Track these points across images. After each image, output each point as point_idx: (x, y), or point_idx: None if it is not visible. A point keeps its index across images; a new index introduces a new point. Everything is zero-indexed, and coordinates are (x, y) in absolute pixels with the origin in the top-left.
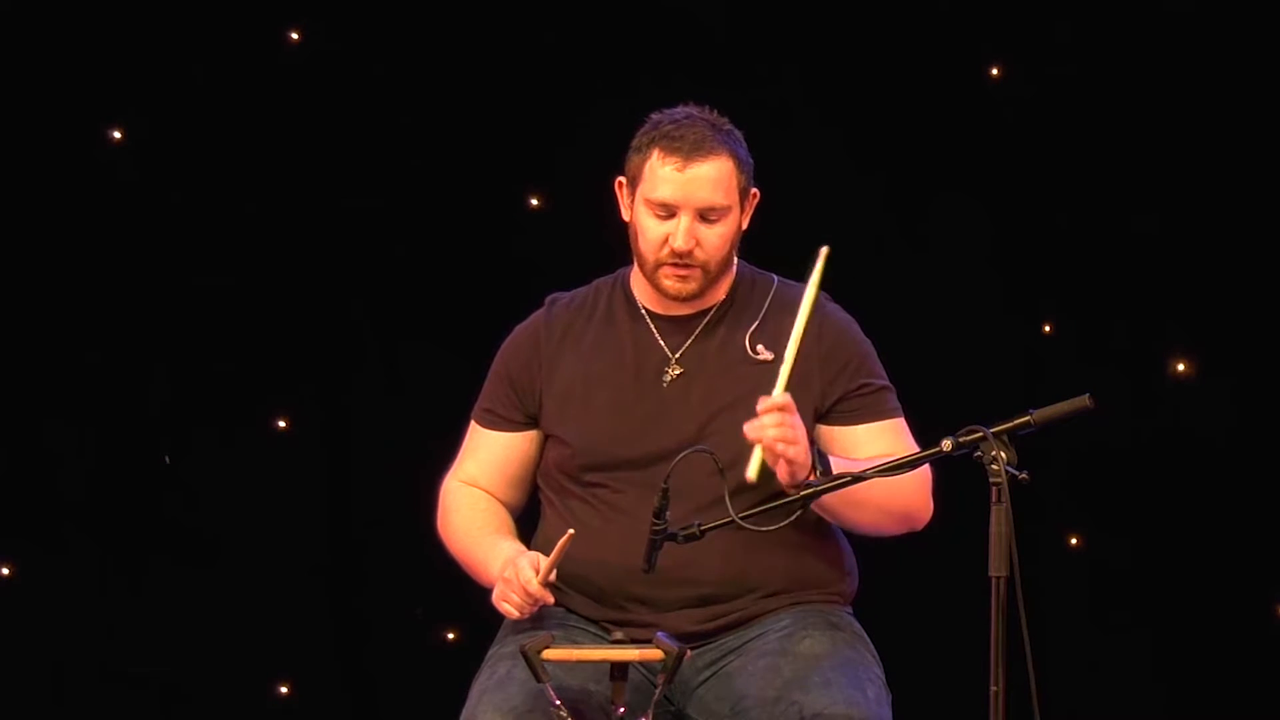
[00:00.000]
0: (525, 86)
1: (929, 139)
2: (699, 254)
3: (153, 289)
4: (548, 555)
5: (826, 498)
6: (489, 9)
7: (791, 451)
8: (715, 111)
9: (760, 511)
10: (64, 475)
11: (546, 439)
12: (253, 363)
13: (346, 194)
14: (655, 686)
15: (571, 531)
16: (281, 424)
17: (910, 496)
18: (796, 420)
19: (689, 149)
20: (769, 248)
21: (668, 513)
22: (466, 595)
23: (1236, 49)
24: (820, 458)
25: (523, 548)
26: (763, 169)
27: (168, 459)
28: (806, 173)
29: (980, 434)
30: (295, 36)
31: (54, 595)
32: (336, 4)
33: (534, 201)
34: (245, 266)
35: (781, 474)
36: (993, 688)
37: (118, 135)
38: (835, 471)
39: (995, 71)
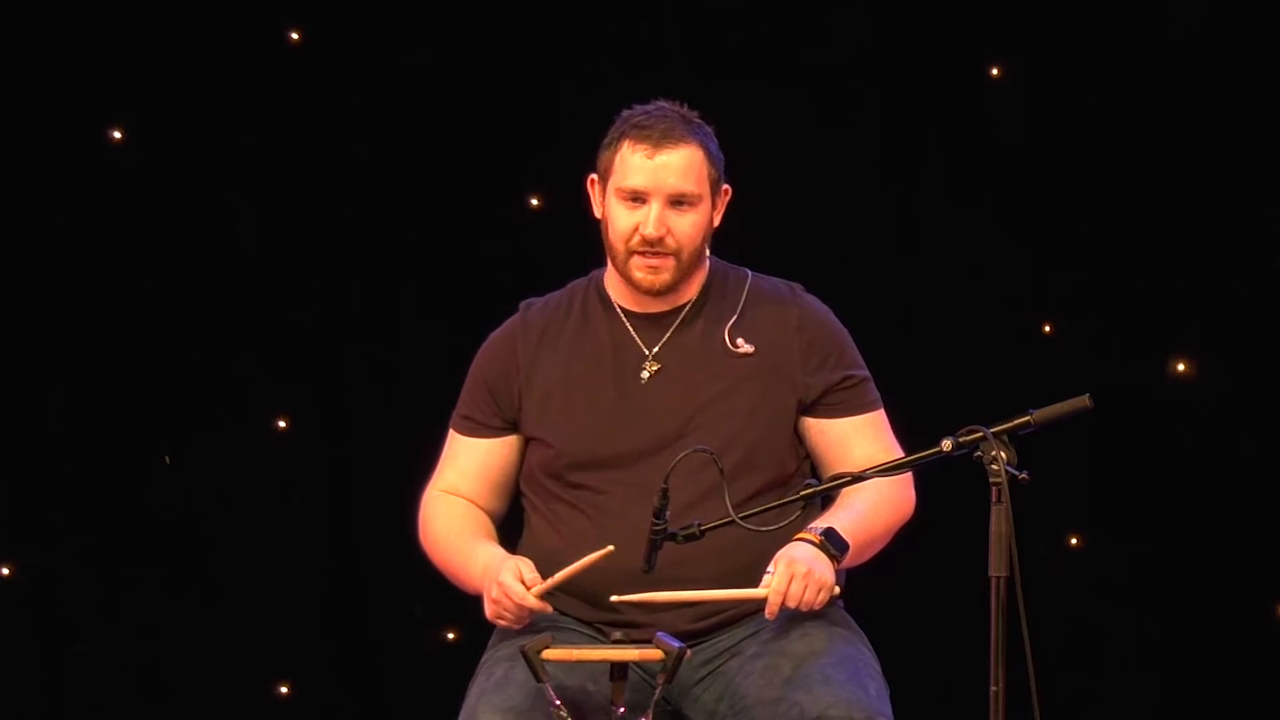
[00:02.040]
0: (525, 86)
1: (929, 138)
2: (670, 242)
3: (152, 288)
4: (535, 562)
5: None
6: (489, 8)
7: (822, 596)
8: (686, 105)
9: (760, 511)
10: (64, 475)
11: (528, 443)
12: (253, 363)
13: (347, 194)
14: (654, 687)
15: (611, 548)
16: (281, 424)
17: (898, 508)
18: (798, 574)
19: (658, 137)
20: (770, 248)
21: (666, 512)
22: (466, 595)
23: (1236, 49)
24: (827, 535)
25: (503, 553)
26: (761, 168)
27: (168, 459)
28: (806, 172)
29: (980, 434)
30: (295, 36)
31: (54, 595)
32: (336, 4)
33: (534, 201)
34: (245, 266)
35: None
36: (993, 688)
37: (118, 135)
38: (837, 529)
39: (995, 71)
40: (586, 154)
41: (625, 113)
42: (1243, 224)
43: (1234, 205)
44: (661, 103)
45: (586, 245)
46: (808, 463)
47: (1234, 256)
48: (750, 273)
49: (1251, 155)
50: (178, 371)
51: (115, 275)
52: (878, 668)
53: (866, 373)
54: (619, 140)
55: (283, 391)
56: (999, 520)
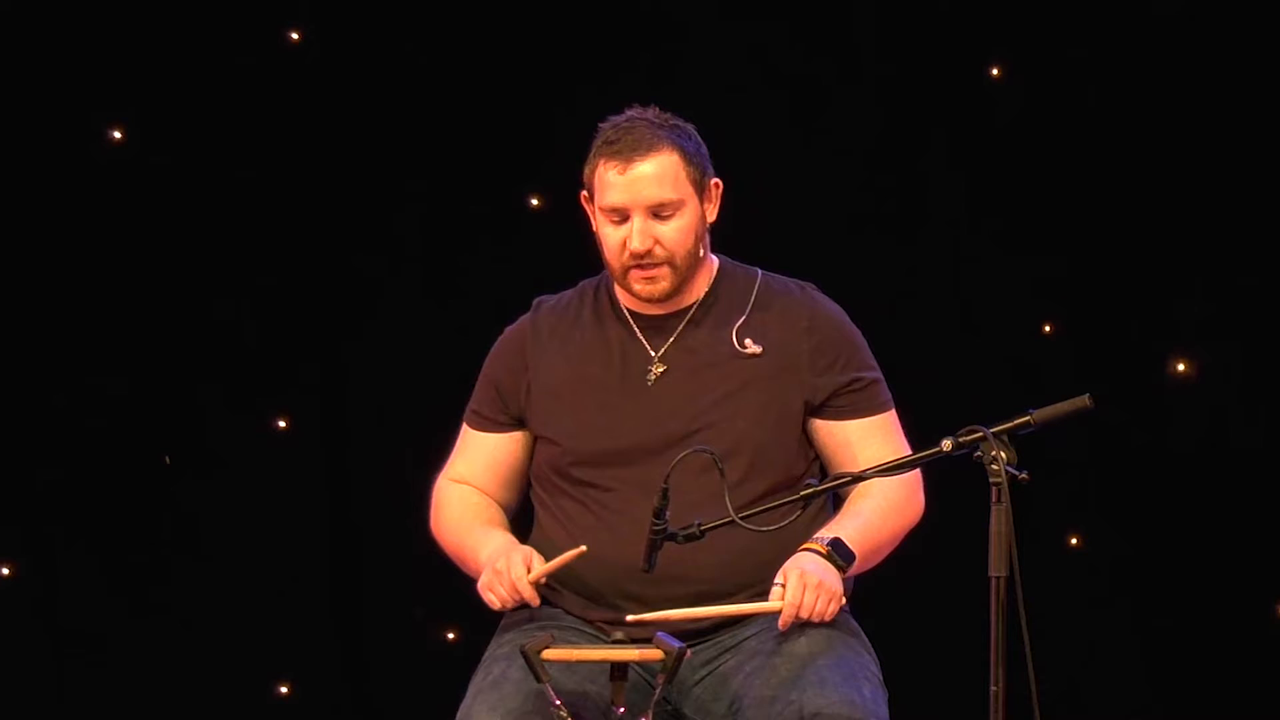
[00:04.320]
0: (526, 86)
1: (930, 138)
2: (659, 252)
3: (152, 289)
4: (544, 557)
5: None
6: (490, 9)
7: (833, 606)
8: (658, 109)
9: (760, 512)
10: (65, 475)
11: (536, 440)
12: (252, 362)
13: (346, 195)
14: (653, 687)
15: (584, 549)
16: (281, 424)
17: (904, 514)
18: (810, 585)
19: (629, 150)
20: (769, 248)
21: (666, 512)
22: (466, 595)
23: (1235, 49)
24: (834, 546)
25: (516, 541)
26: (764, 169)
27: (168, 459)
28: (807, 172)
29: (980, 434)
30: (295, 36)
31: (54, 595)
32: (336, 4)
33: (534, 201)
34: (245, 266)
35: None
36: (993, 688)
37: (118, 135)
38: (844, 539)
39: (995, 71)
40: (587, 154)
41: (600, 125)
42: (1243, 223)
43: (1234, 205)
44: (633, 110)
45: (588, 246)
46: (817, 464)
47: (1234, 256)
48: (761, 272)
49: (1252, 155)
50: (178, 371)
51: (115, 275)
52: (876, 671)
53: (877, 374)
54: (595, 159)
55: (283, 391)
56: (999, 520)
